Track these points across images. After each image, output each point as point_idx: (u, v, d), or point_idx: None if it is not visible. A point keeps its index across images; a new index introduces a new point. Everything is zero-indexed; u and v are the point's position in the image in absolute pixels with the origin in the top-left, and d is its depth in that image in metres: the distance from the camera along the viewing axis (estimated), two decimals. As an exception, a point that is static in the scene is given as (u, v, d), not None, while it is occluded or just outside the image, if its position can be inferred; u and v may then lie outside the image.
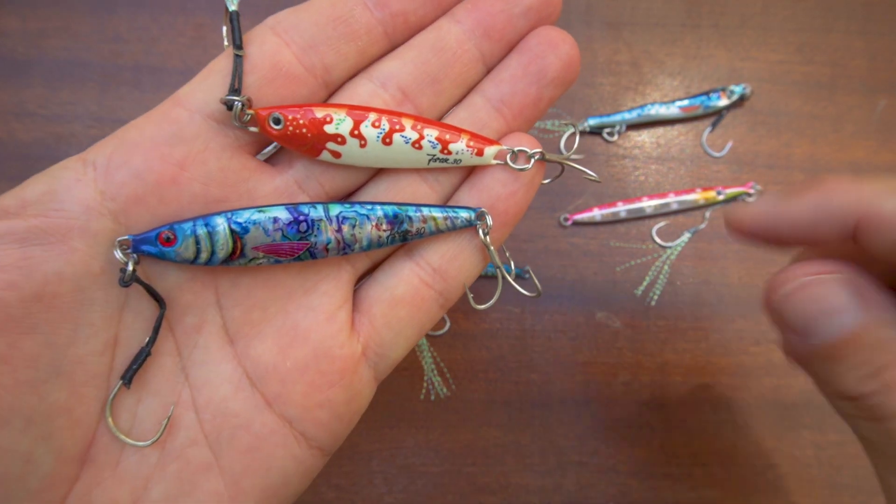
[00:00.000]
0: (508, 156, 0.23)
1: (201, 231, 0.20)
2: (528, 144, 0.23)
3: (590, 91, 0.45)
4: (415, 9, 0.22)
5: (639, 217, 0.43)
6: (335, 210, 0.21)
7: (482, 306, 0.25)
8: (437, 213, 0.22)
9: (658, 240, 0.43)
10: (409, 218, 0.22)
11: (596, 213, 0.43)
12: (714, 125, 0.45)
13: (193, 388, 0.22)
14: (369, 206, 0.22)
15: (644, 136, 0.45)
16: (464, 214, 0.22)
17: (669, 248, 0.43)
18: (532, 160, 0.23)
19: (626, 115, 0.44)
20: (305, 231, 0.21)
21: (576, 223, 0.43)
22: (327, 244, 0.21)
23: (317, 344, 0.22)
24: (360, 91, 0.22)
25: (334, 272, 0.23)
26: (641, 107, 0.44)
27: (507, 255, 0.26)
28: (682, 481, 0.40)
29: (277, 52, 0.21)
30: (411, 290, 0.23)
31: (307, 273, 0.22)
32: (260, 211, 0.21)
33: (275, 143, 0.22)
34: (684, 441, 0.41)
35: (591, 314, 0.42)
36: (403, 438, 0.40)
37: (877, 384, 0.17)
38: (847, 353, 0.17)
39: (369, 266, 0.24)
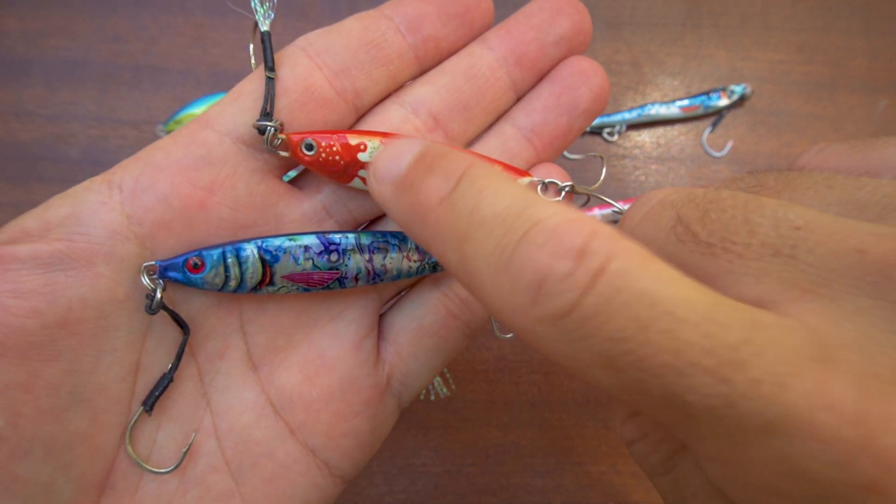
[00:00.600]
0: (539, 187, 0.23)
1: (230, 259, 0.20)
2: (558, 176, 0.23)
3: (590, 91, 0.45)
4: (447, 34, 0.22)
5: (639, 217, 0.43)
6: (366, 239, 0.21)
7: (507, 335, 0.25)
8: None
9: (658, 240, 0.43)
10: None
11: (596, 214, 0.43)
12: (714, 125, 0.45)
13: (215, 415, 0.21)
14: (401, 236, 0.21)
15: (644, 136, 0.45)
16: None
17: (669, 248, 0.43)
18: (563, 192, 0.23)
19: (627, 115, 0.44)
20: (336, 260, 0.21)
21: (576, 223, 0.43)
22: (357, 273, 0.21)
23: (343, 373, 0.22)
24: (392, 117, 0.22)
25: (361, 300, 0.22)
26: (641, 107, 0.44)
27: None
28: (682, 481, 0.40)
29: (310, 76, 0.21)
30: (439, 321, 0.23)
31: (333, 300, 0.22)
32: (291, 239, 0.20)
33: (301, 166, 0.22)
34: (684, 441, 0.41)
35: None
36: (403, 438, 0.40)
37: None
38: None
39: (394, 293, 0.23)
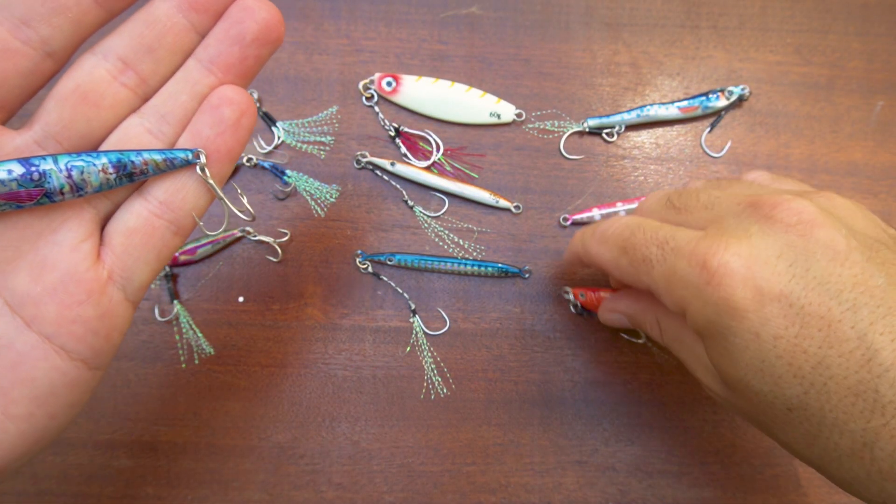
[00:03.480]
0: None
1: None
2: (234, 95, 0.27)
3: (589, 92, 0.45)
4: None
5: (638, 217, 0.43)
6: (64, 160, 0.25)
7: (212, 233, 0.34)
8: (157, 156, 0.26)
9: (657, 240, 0.43)
10: (132, 161, 0.26)
11: (595, 213, 0.43)
12: (713, 126, 0.45)
13: None
14: (95, 154, 0.25)
15: (643, 137, 0.45)
16: (181, 155, 0.26)
17: (668, 248, 0.43)
18: None
19: (626, 116, 0.44)
20: (39, 179, 0.24)
21: (575, 223, 0.43)
22: (61, 189, 0.25)
23: (64, 271, 0.25)
24: (85, 64, 0.26)
25: (77, 212, 0.26)
26: (640, 107, 0.44)
27: (240, 192, 0.33)
28: (681, 480, 0.40)
29: None
30: (142, 221, 0.27)
31: (53, 215, 0.26)
32: None
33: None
34: (683, 440, 0.41)
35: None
36: (403, 438, 0.40)
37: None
38: None
39: (112, 208, 0.27)
